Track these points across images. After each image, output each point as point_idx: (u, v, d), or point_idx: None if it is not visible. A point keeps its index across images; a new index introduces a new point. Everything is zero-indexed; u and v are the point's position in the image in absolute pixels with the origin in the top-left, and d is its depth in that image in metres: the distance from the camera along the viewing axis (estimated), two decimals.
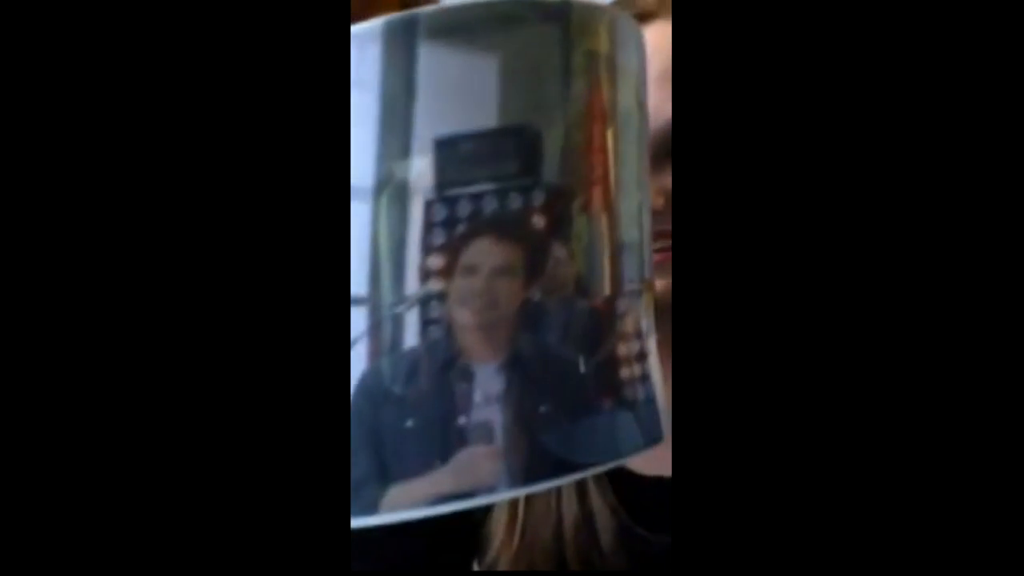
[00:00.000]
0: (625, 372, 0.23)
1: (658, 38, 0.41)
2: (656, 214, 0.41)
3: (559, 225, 0.21)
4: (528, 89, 0.20)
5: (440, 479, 0.22)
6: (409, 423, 0.21)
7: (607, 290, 0.22)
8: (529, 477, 0.22)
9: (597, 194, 0.22)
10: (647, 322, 0.25)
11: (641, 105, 0.24)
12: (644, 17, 0.43)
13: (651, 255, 0.25)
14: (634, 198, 0.23)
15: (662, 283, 0.41)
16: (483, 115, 0.20)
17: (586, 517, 0.47)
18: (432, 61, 0.19)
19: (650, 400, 0.24)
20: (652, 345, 0.25)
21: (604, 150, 0.22)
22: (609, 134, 0.22)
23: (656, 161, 0.39)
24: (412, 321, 0.21)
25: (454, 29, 0.19)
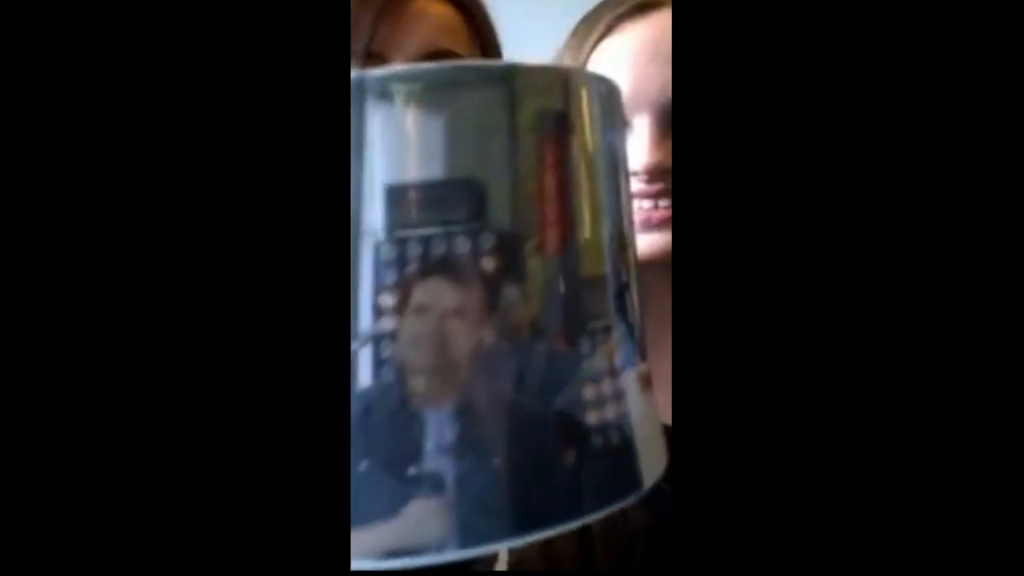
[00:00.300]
0: (593, 417, 0.22)
1: (662, 25, 0.47)
2: (666, 173, 0.45)
3: (510, 267, 0.21)
4: (475, 146, 0.21)
5: (387, 532, 0.20)
6: (362, 467, 0.21)
7: (568, 330, 0.22)
8: (482, 536, 0.20)
9: (552, 235, 0.22)
10: (623, 357, 0.23)
11: (610, 146, 0.24)
12: (651, 6, 0.48)
13: (634, 285, 0.25)
14: (604, 231, 0.23)
15: (667, 237, 0.46)
16: (432, 168, 0.21)
17: None
18: (380, 119, 0.21)
19: (626, 446, 0.22)
20: (630, 382, 0.23)
21: (560, 195, 0.22)
22: (567, 180, 0.22)
23: (666, 128, 0.46)
24: (366, 360, 0.21)
25: (399, 92, 0.21)
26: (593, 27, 0.49)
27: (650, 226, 0.47)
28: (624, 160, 0.26)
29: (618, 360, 0.23)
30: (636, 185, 0.46)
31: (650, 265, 0.47)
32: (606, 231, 0.23)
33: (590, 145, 0.23)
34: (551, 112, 0.22)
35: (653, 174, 0.46)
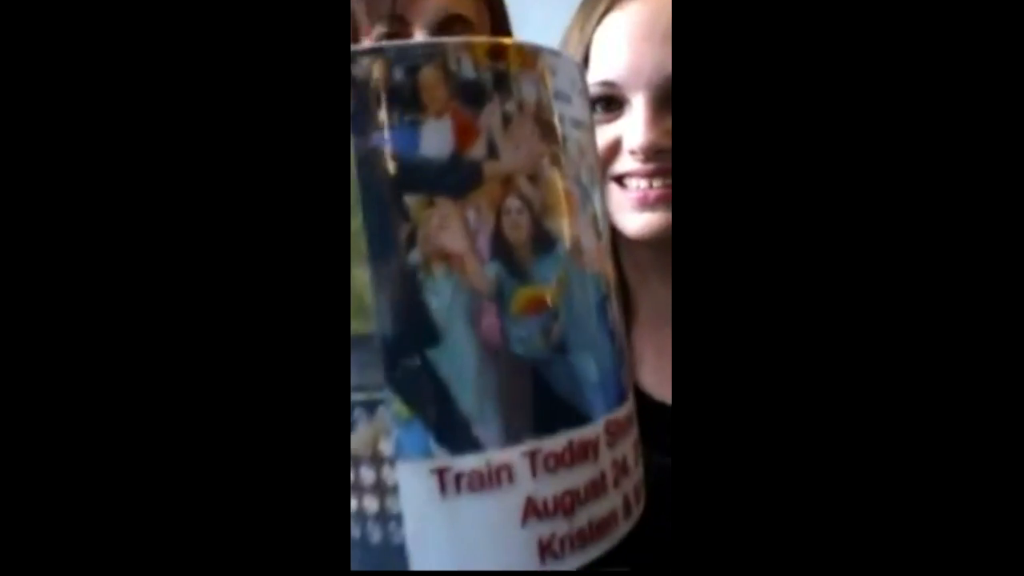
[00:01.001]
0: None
1: (659, 2, 0.46)
2: (662, 152, 0.45)
3: None
4: None
5: None
6: None
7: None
8: None
9: None
10: (407, 443, 0.22)
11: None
12: None
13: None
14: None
15: (666, 216, 0.45)
16: None
17: None
18: None
19: (388, 548, 0.22)
20: (412, 477, 0.21)
21: None
22: None
23: (662, 107, 0.45)
24: None
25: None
26: (596, 5, 0.49)
27: (646, 205, 0.47)
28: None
29: (388, 447, 0.21)
30: (632, 164, 0.46)
31: (646, 244, 0.48)
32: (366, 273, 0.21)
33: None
34: None
35: (648, 153, 0.45)
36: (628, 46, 0.46)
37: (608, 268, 0.26)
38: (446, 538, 0.22)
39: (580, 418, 0.24)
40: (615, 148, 0.48)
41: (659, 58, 0.45)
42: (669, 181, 0.46)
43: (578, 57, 0.48)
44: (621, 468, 0.25)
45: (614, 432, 0.25)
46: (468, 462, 0.22)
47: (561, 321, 0.24)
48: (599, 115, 0.48)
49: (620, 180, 0.48)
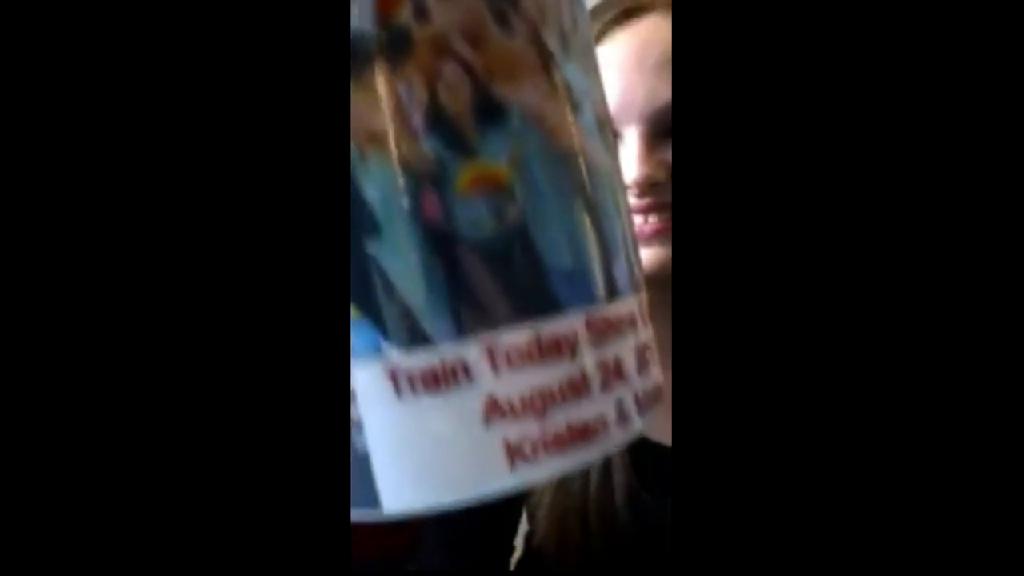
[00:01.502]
0: None
1: (655, 30, 0.45)
2: (657, 186, 0.42)
3: None
4: None
5: None
6: None
7: None
8: None
9: None
10: (359, 344, 0.21)
11: None
12: (641, 10, 0.46)
13: None
14: None
15: (663, 252, 0.44)
16: None
17: (606, 474, 0.48)
18: None
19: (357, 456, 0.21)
20: (368, 383, 0.21)
21: None
22: None
23: (655, 139, 0.44)
24: None
25: None
26: None
27: (641, 240, 0.45)
28: None
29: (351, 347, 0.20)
30: None
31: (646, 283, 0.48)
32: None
33: None
34: None
35: (643, 187, 0.44)
36: (619, 78, 0.44)
37: (594, 150, 0.23)
38: (405, 443, 0.21)
39: (547, 309, 0.21)
40: None
41: (651, 88, 0.43)
42: (665, 215, 0.44)
43: None
44: (614, 371, 0.23)
45: (601, 329, 0.22)
46: (420, 359, 0.20)
47: (519, 200, 0.21)
48: None
49: None
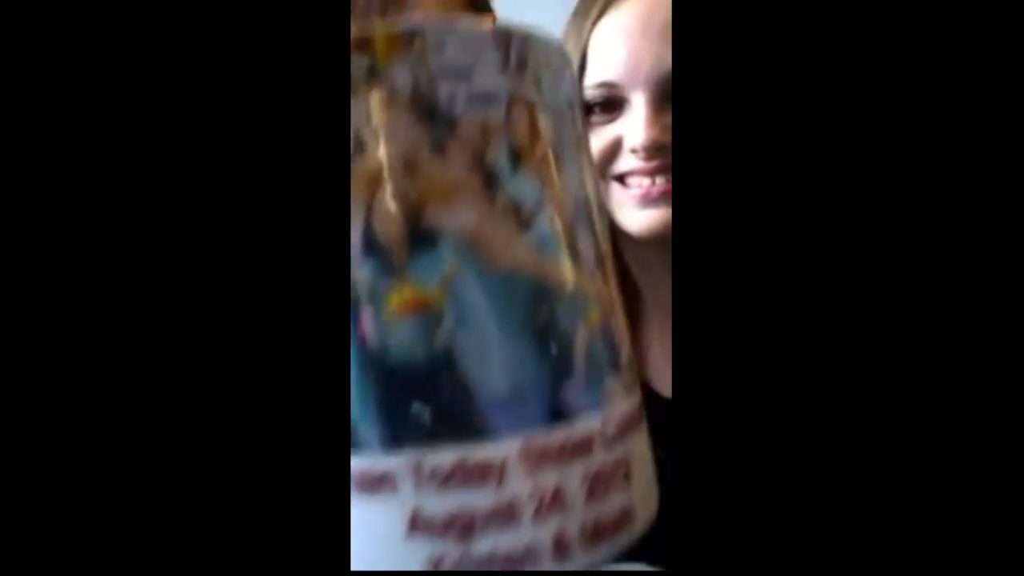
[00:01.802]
0: None
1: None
2: (663, 149, 0.45)
3: None
4: None
5: None
6: None
7: None
8: None
9: None
10: None
11: None
12: None
13: None
14: None
15: (666, 212, 0.46)
16: None
17: None
18: None
19: None
20: None
21: None
22: None
23: (662, 104, 0.45)
24: None
25: None
26: (592, 5, 0.49)
27: (648, 201, 0.47)
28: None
29: None
30: (633, 163, 0.46)
31: (651, 242, 0.48)
32: None
33: None
34: None
35: (650, 151, 0.46)
36: (625, 44, 0.46)
37: (548, 265, 0.23)
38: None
39: (476, 434, 0.21)
40: (615, 148, 0.47)
41: (657, 54, 0.45)
42: (671, 177, 0.45)
43: (575, 62, 0.47)
44: (551, 500, 0.22)
45: (539, 457, 0.22)
46: (357, 462, 0.21)
47: (448, 324, 0.21)
48: (598, 117, 0.47)
49: (622, 179, 0.48)
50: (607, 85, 0.48)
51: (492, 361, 0.21)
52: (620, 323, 0.26)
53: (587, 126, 0.48)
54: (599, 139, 0.48)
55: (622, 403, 0.24)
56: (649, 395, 0.50)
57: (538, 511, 0.21)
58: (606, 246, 0.27)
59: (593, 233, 0.25)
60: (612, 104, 0.48)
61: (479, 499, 0.21)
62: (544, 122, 0.24)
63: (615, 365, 0.24)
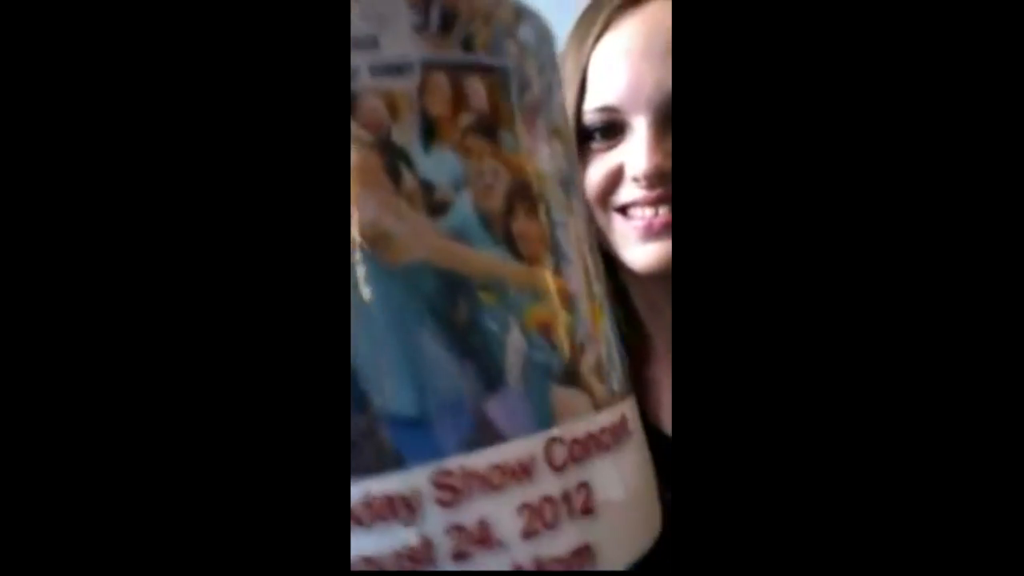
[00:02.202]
0: None
1: (663, 16, 0.43)
2: (667, 177, 0.42)
3: None
4: None
5: None
6: None
7: None
8: None
9: None
10: None
11: None
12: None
13: None
14: None
15: (668, 247, 0.43)
16: None
17: None
18: None
19: None
20: None
21: None
22: None
23: (665, 129, 0.42)
24: None
25: None
26: (592, 23, 0.45)
27: (651, 234, 0.43)
28: None
29: None
30: (635, 192, 0.43)
31: (656, 278, 0.45)
32: None
33: None
34: None
35: (652, 179, 0.42)
36: (626, 66, 0.43)
37: (467, 253, 0.19)
38: None
39: (381, 465, 0.18)
40: (617, 177, 0.44)
41: (659, 77, 0.42)
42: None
43: (574, 86, 0.44)
44: (477, 537, 0.18)
45: (458, 487, 0.18)
46: None
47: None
48: (599, 144, 0.44)
49: (624, 211, 0.44)
50: (608, 109, 0.44)
51: (395, 374, 0.18)
52: (587, 323, 0.22)
53: (585, 155, 0.45)
54: (600, 168, 0.44)
55: (582, 420, 0.20)
56: (658, 437, 0.45)
57: (459, 552, 0.18)
58: (580, 228, 0.23)
59: (547, 213, 0.21)
60: (613, 129, 0.44)
61: (386, 541, 0.18)
62: (474, 88, 0.20)
63: (569, 374, 0.20)
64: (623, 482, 0.21)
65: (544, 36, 0.24)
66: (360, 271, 0.18)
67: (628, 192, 0.44)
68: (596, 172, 0.44)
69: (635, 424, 0.24)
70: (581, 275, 0.22)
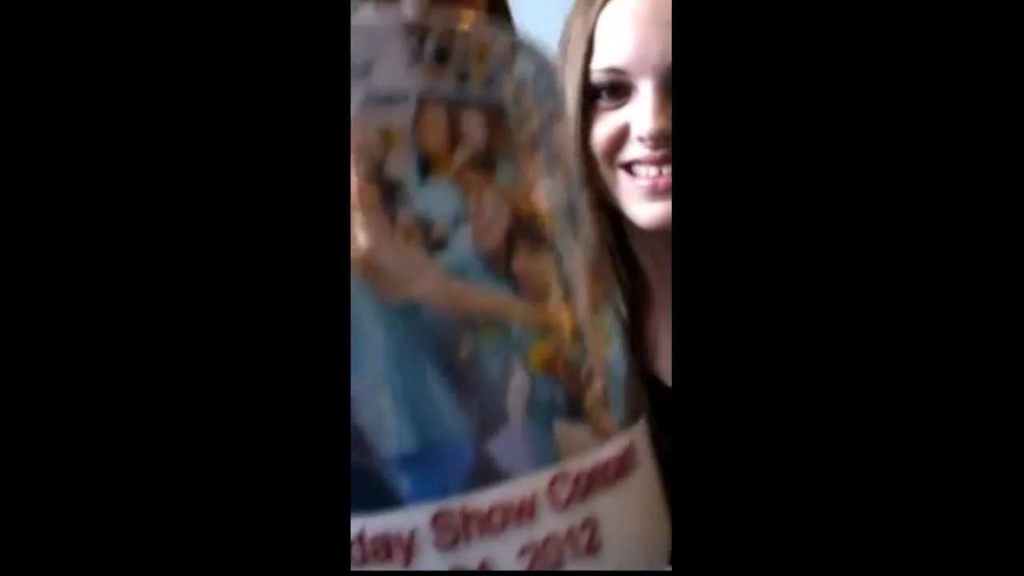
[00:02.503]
0: None
1: None
2: (668, 137, 0.44)
3: None
4: None
5: None
6: None
7: None
8: None
9: None
10: None
11: None
12: None
13: None
14: None
15: (663, 206, 0.45)
16: None
17: None
18: None
19: None
20: None
21: None
22: None
23: (670, 92, 0.44)
24: None
25: None
26: None
27: (656, 193, 0.45)
28: None
29: None
30: (640, 151, 0.45)
31: (660, 233, 0.47)
32: None
33: None
34: None
35: (657, 140, 0.44)
36: (633, 30, 0.45)
37: (465, 290, 0.19)
38: None
39: (379, 502, 0.18)
40: (623, 135, 0.46)
41: (665, 41, 0.44)
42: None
43: (582, 45, 0.46)
44: None
45: (458, 526, 0.18)
46: None
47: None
48: (605, 102, 0.46)
49: (629, 168, 0.46)
50: (614, 71, 0.46)
51: (395, 412, 0.18)
52: (593, 352, 0.21)
53: (592, 112, 0.46)
54: (606, 125, 0.46)
55: (588, 454, 0.20)
56: (657, 388, 0.49)
57: None
58: (587, 254, 0.23)
59: (550, 247, 0.21)
60: (619, 89, 0.46)
61: None
62: (471, 124, 0.20)
63: (574, 409, 0.20)
64: (630, 516, 0.21)
65: (542, 68, 0.24)
66: (359, 306, 0.18)
67: (633, 150, 0.46)
68: (602, 129, 0.47)
69: (644, 451, 0.23)
70: (587, 304, 0.22)
